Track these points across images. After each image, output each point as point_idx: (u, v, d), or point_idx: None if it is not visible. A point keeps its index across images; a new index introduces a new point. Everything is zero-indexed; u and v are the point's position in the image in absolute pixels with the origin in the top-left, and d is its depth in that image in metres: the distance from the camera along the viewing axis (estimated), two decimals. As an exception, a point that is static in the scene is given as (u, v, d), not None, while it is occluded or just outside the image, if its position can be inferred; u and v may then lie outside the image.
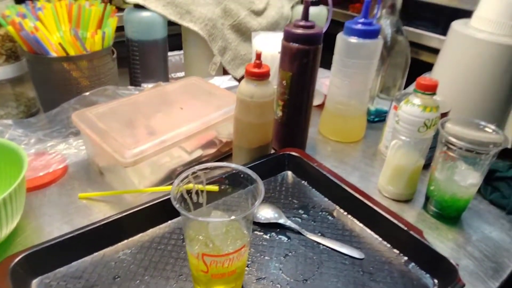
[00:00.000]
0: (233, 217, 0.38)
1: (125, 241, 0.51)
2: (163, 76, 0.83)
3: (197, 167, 0.40)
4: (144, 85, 0.78)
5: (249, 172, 0.40)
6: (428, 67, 0.83)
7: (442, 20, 0.88)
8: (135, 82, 0.82)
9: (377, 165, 0.70)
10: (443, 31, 0.86)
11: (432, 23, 0.90)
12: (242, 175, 0.41)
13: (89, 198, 0.59)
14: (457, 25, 0.72)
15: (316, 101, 0.86)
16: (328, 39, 0.73)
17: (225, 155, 0.69)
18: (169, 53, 0.91)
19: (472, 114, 0.69)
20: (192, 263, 0.41)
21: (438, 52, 0.83)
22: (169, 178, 0.62)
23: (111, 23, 0.72)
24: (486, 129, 0.53)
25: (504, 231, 0.57)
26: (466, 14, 0.74)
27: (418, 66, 0.87)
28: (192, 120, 0.62)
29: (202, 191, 0.42)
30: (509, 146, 0.68)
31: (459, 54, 0.71)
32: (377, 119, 0.84)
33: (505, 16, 0.66)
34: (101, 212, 0.56)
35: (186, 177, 0.40)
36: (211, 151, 0.67)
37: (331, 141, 0.77)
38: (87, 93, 0.69)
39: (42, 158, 0.65)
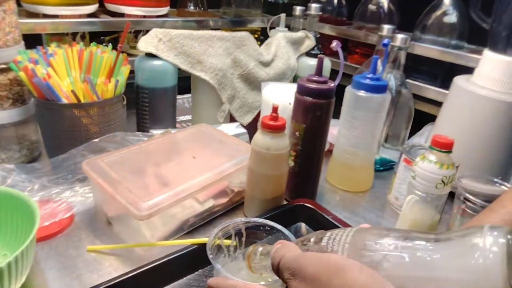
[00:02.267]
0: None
1: (140, 299, 0.49)
2: (171, 121, 0.83)
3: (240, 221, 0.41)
4: (153, 131, 0.77)
5: (288, 234, 0.40)
6: (426, 116, 0.86)
7: (439, 73, 0.92)
8: (143, 127, 0.81)
9: (388, 217, 0.70)
10: (441, 84, 0.89)
11: (430, 76, 0.94)
12: (282, 237, 0.41)
13: (98, 251, 0.56)
14: (459, 81, 0.75)
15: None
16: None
17: (236, 204, 0.68)
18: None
19: (477, 168, 0.71)
20: None
21: (434, 103, 0.85)
22: (180, 229, 0.61)
23: (124, 72, 0.72)
24: (502, 186, 0.54)
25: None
26: (462, 68, 0.78)
27: (417, 115, 0.90)
28: (205, 170, 0.62)
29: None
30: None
31: (462, 109, 0.73)
32: (382, 168, 0.85)
33: (506, 75, 0.69)
34: (112, 267, 0.54)
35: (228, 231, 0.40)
36: (223, 200, 0.66)
37: (339, 190, 0.77)
38: (96, 140, 0.68)
39: (47, 206, 0.63)
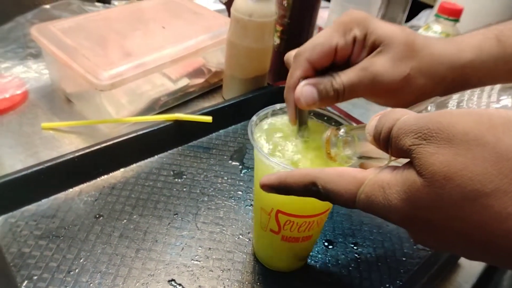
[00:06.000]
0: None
1: (105, 176, 0.44)
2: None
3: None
4: (115, 3, 0.67)
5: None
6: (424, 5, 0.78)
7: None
8: (103, -2, 0.70)
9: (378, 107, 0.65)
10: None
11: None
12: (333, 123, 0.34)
13: (56, 128, 0.50)
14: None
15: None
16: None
17: (214, 86, 0.62)
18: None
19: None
20: (260, 217, 0.34)
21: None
22: (151, 108, 0.54)
23: None
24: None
25: None
26: None
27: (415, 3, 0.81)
28: (176, 42, 0.53)
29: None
30: None
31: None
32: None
33: None
34: (73, 144, 0.48)
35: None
36: (199, 81, 0.59)
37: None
38: (47, 6, 0.58)
39: (-5, 82, 0.55)
